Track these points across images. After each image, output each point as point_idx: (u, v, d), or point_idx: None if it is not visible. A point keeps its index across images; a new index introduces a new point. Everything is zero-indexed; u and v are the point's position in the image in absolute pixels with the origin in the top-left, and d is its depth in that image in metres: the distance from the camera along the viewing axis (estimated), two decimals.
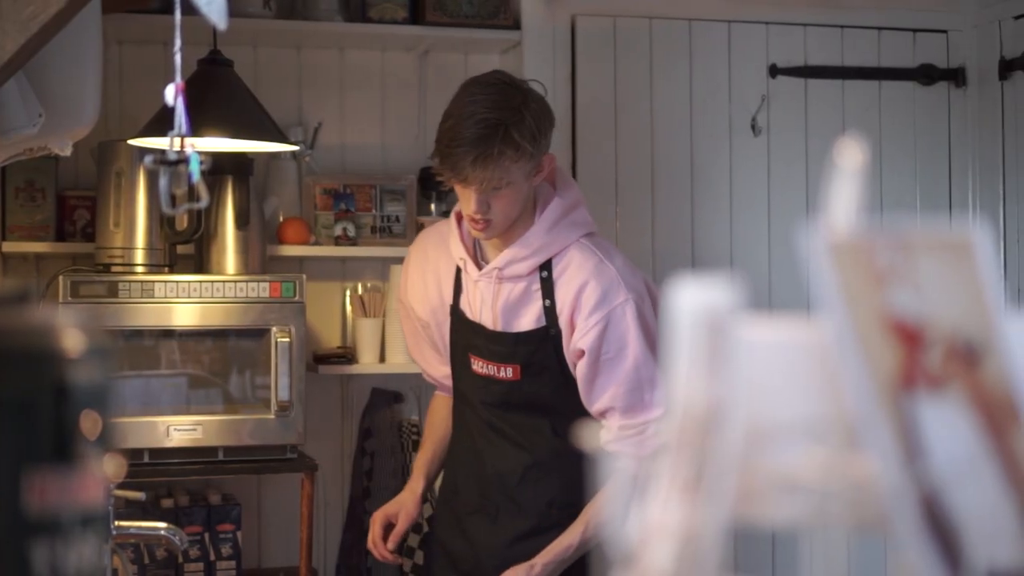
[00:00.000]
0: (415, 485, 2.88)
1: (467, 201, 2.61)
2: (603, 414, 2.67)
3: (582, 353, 2.65)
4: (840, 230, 0.71)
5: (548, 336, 2.68)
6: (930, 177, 4.27)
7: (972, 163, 4.26)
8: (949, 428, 0.69)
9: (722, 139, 4.12)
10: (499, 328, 2.71)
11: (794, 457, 0.77)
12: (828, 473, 0.76)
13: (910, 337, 0.69)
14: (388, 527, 2.83)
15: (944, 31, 4.28)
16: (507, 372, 2.71)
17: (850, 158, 0.72)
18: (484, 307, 2.72)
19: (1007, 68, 4.11)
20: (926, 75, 4.25)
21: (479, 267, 2.73)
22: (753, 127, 4.13)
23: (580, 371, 2.66)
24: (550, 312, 2.68)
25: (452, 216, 2.80)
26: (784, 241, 4.11)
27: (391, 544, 2.79)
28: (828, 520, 0.76)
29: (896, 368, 0.70)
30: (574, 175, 4.00)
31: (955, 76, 4.26)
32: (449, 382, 2.91)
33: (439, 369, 2.94)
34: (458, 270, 2.79)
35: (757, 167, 4.14)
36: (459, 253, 2.75)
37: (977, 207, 4.25)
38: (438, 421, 2.98)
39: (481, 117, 2.55)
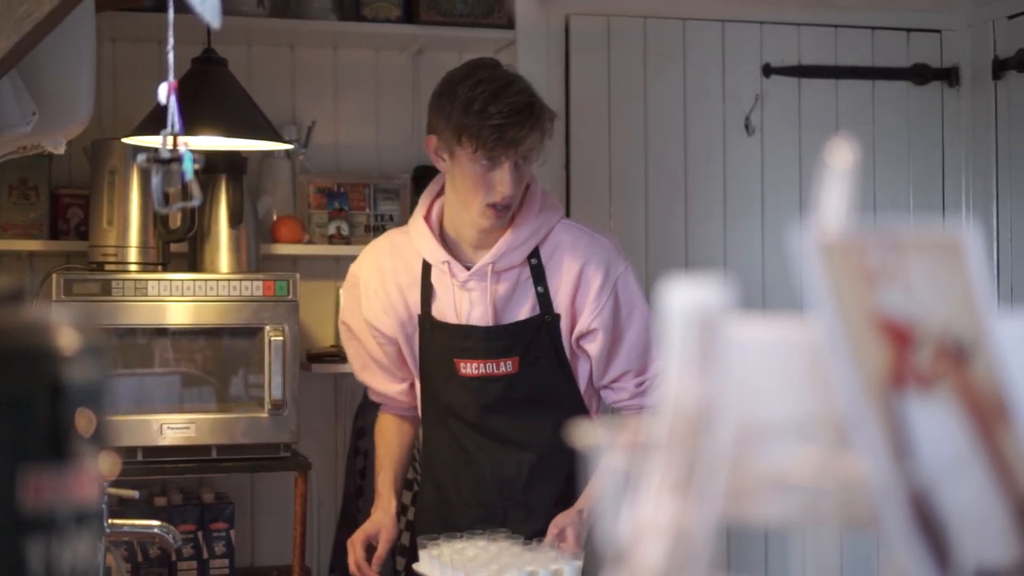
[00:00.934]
0: (388, 505, 2.73)
1: (499, 181, 2.55)
2: (616, 380, 2.69)
3: (593, 332, 2.65)
4: (832, 229, 0.71)
5: (544, 323, 2.67)
6: (923, 177, 4.28)
7: (965, 163, 4.27)
8: (938, 427, 0.69)
9: (716, 138, 4.13)
10: (495, 322, 2.67)
11: (785, 456, 0.77)
12: (819, 472, 0.76)
13: (900, 336, 0.69)
14: (368, 549, 2.70)
15: (938, 31, 4.28)
16: (507, 366, 2.66)
17: (842, 158, 0.73)
18: (474, 307, 2.67)
19: (1000, 68, 4.11)
20: (919, 75, 4.26)
21: (466, 267, 2.68)
22: (747, 126, 4.13)
23: (596, 349, 2.66)
24: (544, 298, 2.66)
25: (420, 221, 2.72)
26: (777, 240, 4.12)
27: (375, 566, 2.67)
28: (819, 519, 0.76)
29: (886, 367, 0.70)
30: (567, 174, 4.01)
31: (948, 76, 4.26)
32: (403, 398, 2.82)
33: (391, 386, 2.82)
34: (424, 276, 2.71)
35: (750, 166, 4.15)
36: (441, 256, 2.67)
37: (970, 207, 4.26)
38: (390, 440, 2.85)
39: (521, 87, 2.56)
